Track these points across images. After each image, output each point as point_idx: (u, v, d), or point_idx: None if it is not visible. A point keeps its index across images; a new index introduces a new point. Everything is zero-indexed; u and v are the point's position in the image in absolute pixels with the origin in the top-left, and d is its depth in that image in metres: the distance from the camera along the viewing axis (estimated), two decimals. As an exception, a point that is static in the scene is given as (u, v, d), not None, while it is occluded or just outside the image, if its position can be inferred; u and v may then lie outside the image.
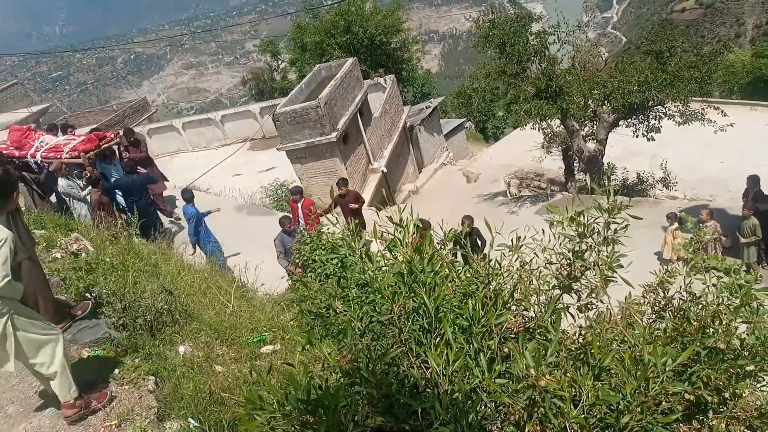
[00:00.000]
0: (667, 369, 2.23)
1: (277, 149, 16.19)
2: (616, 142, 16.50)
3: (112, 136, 11.67)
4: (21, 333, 3.27)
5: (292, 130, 15.53)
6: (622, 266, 2.90)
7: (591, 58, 15.97)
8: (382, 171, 17.79)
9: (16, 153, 11.11)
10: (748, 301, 2.57)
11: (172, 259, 6.18)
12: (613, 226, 2.96)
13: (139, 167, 11.72)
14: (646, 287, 3.45)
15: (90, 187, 10.20)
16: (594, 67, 15.63)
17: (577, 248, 2.88)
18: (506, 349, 2.75)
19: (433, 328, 2.69)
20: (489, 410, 2.45)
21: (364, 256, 2.95)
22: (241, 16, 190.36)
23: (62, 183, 10.48)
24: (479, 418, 2.30)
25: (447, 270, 3.14)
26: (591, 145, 15.32)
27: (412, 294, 2.81)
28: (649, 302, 3.35)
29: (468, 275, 3.27)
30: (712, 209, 11.44)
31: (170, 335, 4.36)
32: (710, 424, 2.57)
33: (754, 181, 10.80)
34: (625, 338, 2.65)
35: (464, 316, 2.76)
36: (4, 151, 10.99)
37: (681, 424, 2.60)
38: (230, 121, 22.45)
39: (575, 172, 16.81)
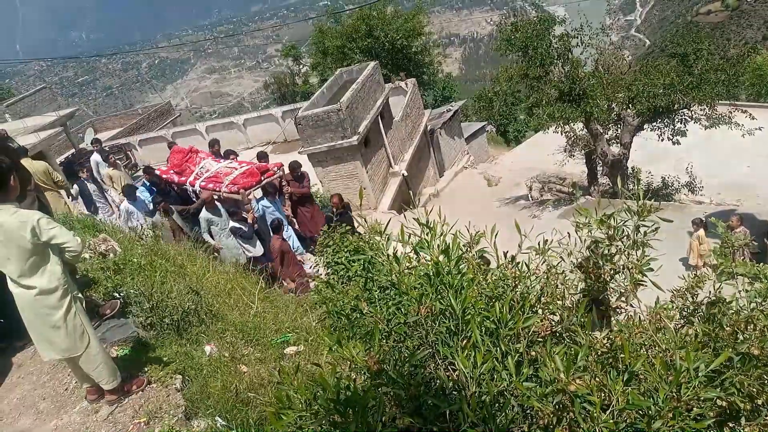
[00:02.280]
0: (700, 374, 2.20)
1: (299, 152, 16.32)
2: (639, 146, 16.30)
3: (275, 169, 10.37)
4: (82, 316, 3.36)
5: (313, 134, 15.63)
6: (652, 269, 2.87)
7: (615, 61, 15.82)
8: (403, 174, 17.79)
9: (176, 179, 9.98)
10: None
11: (197, 260, 6.27)
12: (642, 229, 2.93)
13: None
14: (675, 292, 3.41)
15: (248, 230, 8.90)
16: (618, 70, 15.48)
17: (606, 251, 2.85)
18: (533, 353, 2.74)
19: (460, 330, 2.69)
20: (517, 414, 2.44)
21: (391, 257, 2.95)
22: (263, 21, 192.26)
23: (205, 215, 8.87)
24: (507, 421, 2.29)
25: (473, 273, 3.14)
26: (615, 149, 15.14)
27: (439, 296, 2.82)
28: (677, 307, 3.32)
29: (495, 278, 3.26)
30: (741, 214, 11.23)
31: (196, 335, 4.42)
32: (743, 431, 2.53)
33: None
34: (655, 343, 2.62)
35: (491, 319, 2.75)
36: (164, 175, 10.09)
37: (713, 431, 2.56)
38: (253, 124, 22.69)
39: (598, 176, 16.64)
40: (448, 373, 2.59)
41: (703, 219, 10.85)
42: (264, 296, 5.59)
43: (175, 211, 9.15)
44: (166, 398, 3.56)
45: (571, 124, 14.96)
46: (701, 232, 10.39)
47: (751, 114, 13.67)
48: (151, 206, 9.48)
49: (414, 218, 3.19)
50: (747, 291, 2.74)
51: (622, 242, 2.90)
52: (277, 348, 4.40)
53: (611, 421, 2.15)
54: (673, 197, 15.75)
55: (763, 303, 2.64)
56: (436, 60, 32.94)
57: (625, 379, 2.24)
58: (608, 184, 16.25)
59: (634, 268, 2.84)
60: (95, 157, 13.94)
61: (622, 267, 2.97)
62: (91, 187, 12.38)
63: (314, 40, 30.99)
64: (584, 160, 16.85)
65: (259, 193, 9.98)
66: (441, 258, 2.90)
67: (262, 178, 9.80)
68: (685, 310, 3.32)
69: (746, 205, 13.88)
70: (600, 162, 15.71)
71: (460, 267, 2.94)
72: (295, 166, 10.76)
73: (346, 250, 4.54)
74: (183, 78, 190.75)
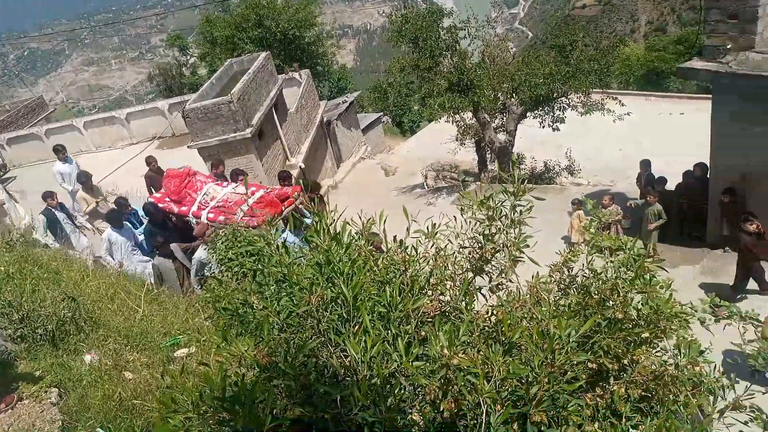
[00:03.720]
0: (570, 340, 2.36)
1: (188, 147, 15.60)
2: (524, 133, 17.25)
3: (295, 194, 8.43)
4: None
5: (203, 127, 15.01)
6: (528, 246, 3.04)
7: (500, 52, 16.56)
8: (300, 167, 17.59)
9: (176, 209, 8.47)
10: (641, 273, 2.77)
11: (74, 264, 5.82)
12: (519, 209, 3.09)
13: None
14: (552, 266, 3.64)
15: None
16: (503, 61, 16.23)
17: (487, 232, 2.98)
18: (423, 333, 2.81)
19: (352, 316, 2.70)
20: (407, 393, 2.50)
21: (280, 248, 2.90)
22: (146, 9, 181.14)
23: (200, 254, 7.42)
24: (397, 400, 2.33)
25: (364, 259, 3.17)
26: (502, 137, 15.90)
27: (330, 284, 2.81)
28: (555, 280, 3.54)
29: (386, 263, 3.31)
30: (613, 194, 12.23)
31: (75, 344, 4.11)
32: (611, 390, 2.75)
33: (646, 165, 11.64)
34: (534, 315, 2.78)
35: (382, 304, 2.80)
36: (161, 204, 8.50)
37: (586, 393, 2.77)
38: (137, 119, 21.36)
39: (488, 163, 17.41)
40: (340, 360, 2.60)
41: (581, 199, 11.68)
42: (151, 299, 5.30)
43: (179, 249, 7.83)
44: (39, 414, 3.28)
45: (461, 113, 15.51)
46: (580, 211, 11.18)
47: (621, 101, 14.89)
48: (141, 237, 8.22)
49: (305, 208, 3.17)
50: (612, 262, 2.97)
51: (501, 222, 3.05)
52: (166, 351, 4.20)
53: (493, 390, 2.26)
54: (554, 180, 16.82)
55: (626, 272, 2.88)
56: (330, 51, 32.78)
57: (505, 350, 2.36)
58: (497, 170, 17.06)
59: (512, 245, 3.00)
60: (61, 168, 11.89)
61: (501, 245, 3.12)
62: (61, 215, 10.07)
63: (201, 29, 29.70)
64: (475, 148, 17.56)
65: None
66: (332, 246, 2.89)
67: (284, 208, 8.09)
68: (562, 282, 3.55)
69: (619, 186, 15.10)
70: (488, 149, 16.43)
71: (351, 254, 2.95)
72: (314, 187, 9.26)
73: (239, 244, 4.41)
74: (57, 71, 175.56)
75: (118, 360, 3.88)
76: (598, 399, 2.74)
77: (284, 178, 9.54)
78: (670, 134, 17.93)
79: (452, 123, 16.06)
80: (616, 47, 14.47)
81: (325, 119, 21.91)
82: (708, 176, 10.27)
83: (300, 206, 8.03)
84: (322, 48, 30.96)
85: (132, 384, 3.47)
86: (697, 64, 8.97)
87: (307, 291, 2.63)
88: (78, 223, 10.67)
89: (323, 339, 2.64)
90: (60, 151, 11.96)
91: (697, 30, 9.10)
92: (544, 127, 15.31)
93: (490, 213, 2.93)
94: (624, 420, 2.59)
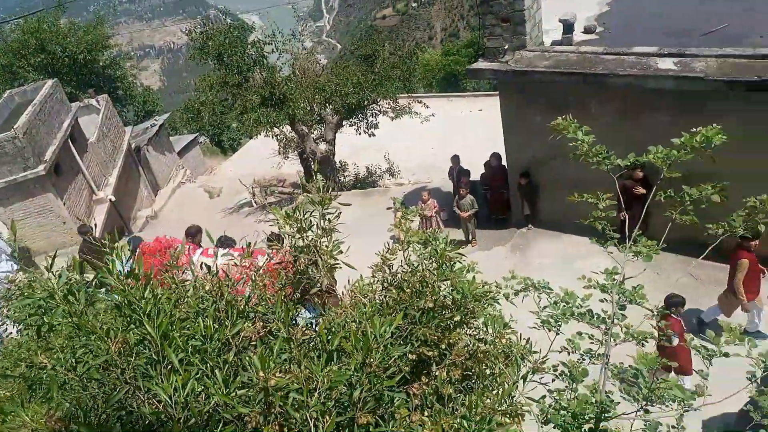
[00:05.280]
0: (386, 337, 2.42)
1: (-33, 194, 13.45)
2: (346, 141, 17.73)
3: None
4: None
5: (-17, 169, 13.05)
6: (341, 252, 3.07)
7: (309, 65, 16.81)
8: (110, 199, 16.11)
9: None
10: (444, 262, 2.94)
11: None
12: (328, 216, 3.11)
13: None
14: (374, 267, 3.73)
15: None
16: (313, 73, 16.49)
17: (300, 244, 2.95)
18: (247, 359, 2.70)
19: (161, 357, 2.49)
20: (234, 425, 2.37)
21: (66, 295, 2.57)
22: None
23: None
24: (219, 435, 2.20)
25: (173, 292, 2.95)
26: (323, 146, 16.14)
27: (135, 325, 2.56)
28: (378, 280, 3.63)
29: (199, 292, 3.12)
30: (430, 189, 13.06)
31: None
32: (435, 375, 2.89)
33: (455, 160, 12.61)
34: (352, 317, 2.82)
35: (196, 336, 2.62)
36: None
37: (413, 384, 2.87)
38: None
39: (313, 174, 17.56)
40: (153, 406, 2.38)
41: (394, 199, 12.29)
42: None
43: None
44: None
45: (279, 127, 15.45)
46: (401, 209, 11.72)
47: (425, 103, 15.98)
48: None
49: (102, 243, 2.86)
50: (419, 255, 3.12)
51: (313, 232, 3.04)
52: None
53: (319, 403, 2.23)
54: (378, 183, 17.52)
55: (432, 263, 3.04)
56: (130, 73, 30.54)
57: (326, 359, 2.34)
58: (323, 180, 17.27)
59: (326, 254, 3.01)
60: None
61: (318, 255, 3.12)
62: None
63: (-31, 59, 25.77)
64: (299, 160, 17.60)
65: None
66: (129, 284, 2.64)
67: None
68: (386, 281, 3.65)
69: (435, 181, 16.19)
70: (312, 160, 16.58)
71: (154, 290, 2.72)
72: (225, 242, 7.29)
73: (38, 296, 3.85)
74: None
75: None
76: (424, 387, 2.86)
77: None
78: (472, 129, 19.69)
79: (272, 137, 15.92)
80: (414, 53, 15.47)
81: (133, 145, 20.36)
82: (504, 164, 11.41)
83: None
84: (120, 71, 28.72)
85: None
86: (481, 64, 9.93)
87: (104, 338, 2.37)
88: None
89: (131, 387, 2.39)
90: None
91: (479, 34, 10.07)
92: (360, 133, 15.85)
93: (299, 225, 2.90)
94: (448, 402, 2.72)
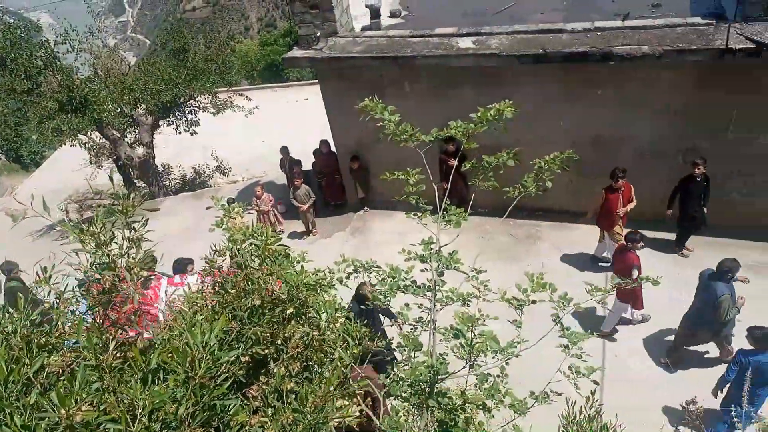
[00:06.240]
0: (211, 344, 2.30)
1: None
2: (169, 142, 16.61)
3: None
4: None
5: None
6: (156, 260, 2.86)
7: (114, 63, 15.39)
8: None
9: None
10: (268, 256, 2.87)
11: None
12: (135, 225, 2.87)
13: None
14: (203, 272, 3.54)
15: None
16: (119, 72, 15.15)
17: (99, 261, 2.68)
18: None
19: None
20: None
21: None
22: None
23: None
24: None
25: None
26: (140, 151, 14.96)
27: None
28: (208, 285, 3.44)
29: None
30: (263, 184, 12.79)
31: None
32: (273, 373, 2.82)
33: (285, 151, 12.47)
34: (175, 331, 2.63)
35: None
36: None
37: (250, 387, 2.78)
38: None
39: (135, 181, 16.23)
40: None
41: (233, 198, 11.89)
42: None
43: None
44: None
45: (85, 134, 14.01)
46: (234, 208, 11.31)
47: (248, 96, 15.52)
48: None
49: None
50: (241, 252, 3.01)
51: (118, 245, 2.78)
52: None
53: (143, 428, 2.06)
54: (208, 183, 16.74)
55: (255, 259, 2.95)
56: None
57: (144, 380, 2.16)
58: (146, 187, 16.06)
59: (136, 266, 2.77)
60: None
61: (127, 269, 2.86)
62: None
63: None
64: (115, 168, 16.11)
65: None
66: None
67: None
68: (216, 284, 3.47)
69: (270, 174, 15.85)
70: (129, 167, 15.30)
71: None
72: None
73: None
74: None
75: None
76: (264, 387, 2.78)
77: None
78: (300, 118, 19.60)
79: (80, 146, 14.36)
80: (227, 45, 14.89)
81: None
82: (334, 150, 11.55)
83: None
84: None
85: None
86: (296, 53, 9.88)
87: None
88: None
89: None
90: None
91: (292, 22, 10.00)
92: (180, 133, 14.95)
93: (97, 241, 2.63)
94: (288, 397, 2.67)
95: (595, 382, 3.05)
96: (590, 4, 9.57)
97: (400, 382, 2.84)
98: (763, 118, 8.17)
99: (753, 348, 5.89)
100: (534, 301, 3.06)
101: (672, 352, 7.42)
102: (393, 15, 10.40)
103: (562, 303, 3.01)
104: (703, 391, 6.57)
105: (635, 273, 7.18)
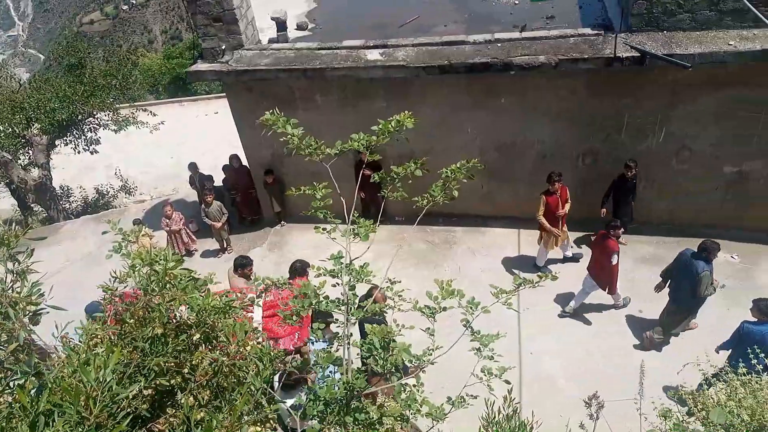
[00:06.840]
0: (108, 379, 2.16)
1: None
2: (68, 162, 15.60)
3: None
4: None
5: None
6: (43, 294, 2.65)
7: (2, 81, 14.35)
8: None
9: None
10: (167, 282, 2.74)
11: None
12: (20, 257, 2.65)
13: None
14: (104, 300, 3.32)
15: None
16: (8, 89, 14.12)
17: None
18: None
19: None
20: None
21: None
22: None
23: None
24: None
25: None
26: (35, 173, 13.95)
27: None
28: (110, 315, 3.24)
29: None
30: (172, 203, 12.26)
31: None
32: (181, 404, 2.69)
33: (193, 167, 12.05)
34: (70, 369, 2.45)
35: None
36: None
37: (157, 420, 2.63)
38: None
39: (31, 206, 15.10)
40: None
41: (140, 219, 11.34)
42: None
43: None
44: None
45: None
46: (143, 231, 10.78)
47: (152, 111, 14.88)
48: None
49: None
50: (140, 279, 2.86)
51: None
52: None
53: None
54: (113, 204, 15.86)
55: (155, 286, 2.81)
56: None
57: (30, 426, 1.99)
58: (44, 211, 14.98)
59: (23, 301, 2.56)
60: None
61: (12, 304, 2.64)
62: None
63: None
64: (9, 193, 14.93)
65: None
66: None
67: None
68: (117, 314, 3.27)
69: (181, 192, 15.25)
70: (23, 190, 14.22)
71: None
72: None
73: None
74: None
75: None
76: (171, 420, 2.64)
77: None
78: (210, 133, 19.02)
79: (-36, 171, 13.21)
80: (127, 59, 14.24)
81: None
82: (246, 164, 11.29)
83: None
84: None
85: None
86: (201, 66, 9.60)
87: None
88: None
89: None
90: None
91: (196, 35, 9.69)
92: (79, 152, 14.09)
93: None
94: (199, 427, 2.56)
95: (507, 382, 3.13)
96: (490, 16, 9.99)
97: (316, 401, 2.79)
98: (650, 121, 8.84)
99: (757, 319, 6.20)
100: (445, 308, 3.12)
101: (665, 333, 7.79)
102: (300, 27, 10.35)
103: (470, 308, 3.09)
104: (605, 386, 6.96)
105: (615, 258, 7.66)
